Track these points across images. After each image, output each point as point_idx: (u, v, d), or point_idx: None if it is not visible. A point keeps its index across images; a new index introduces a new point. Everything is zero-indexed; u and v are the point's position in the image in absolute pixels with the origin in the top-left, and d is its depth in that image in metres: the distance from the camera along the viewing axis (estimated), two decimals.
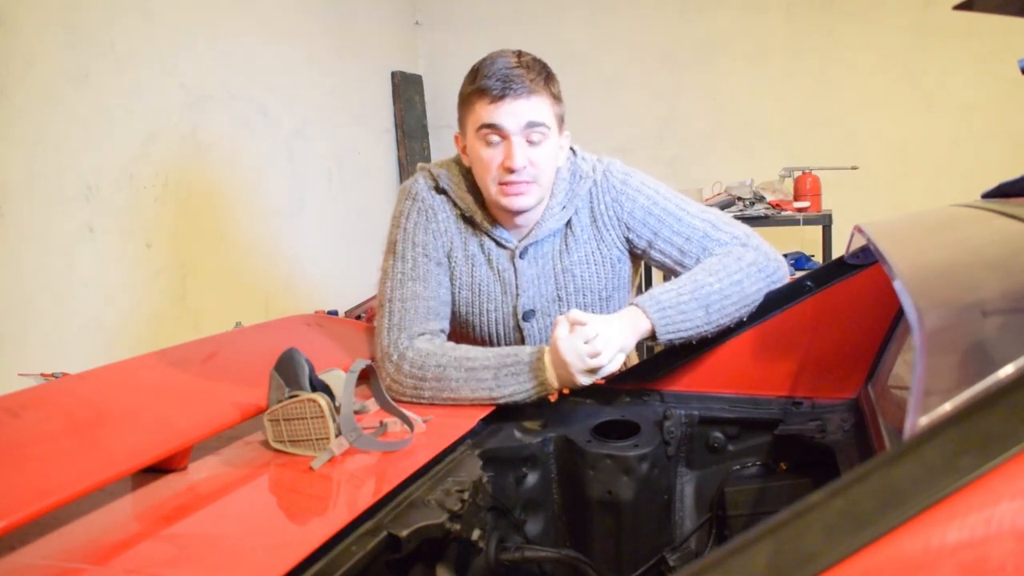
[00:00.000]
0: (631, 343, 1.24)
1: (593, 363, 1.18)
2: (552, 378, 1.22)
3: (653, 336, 1.25)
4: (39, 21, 2.31)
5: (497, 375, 1.24)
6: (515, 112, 1.28)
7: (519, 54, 1.33)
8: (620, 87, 4.35)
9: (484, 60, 1.33)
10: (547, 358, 1.23)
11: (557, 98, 1.35)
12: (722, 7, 4.17)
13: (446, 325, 1.42)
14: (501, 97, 1.28)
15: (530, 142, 1.31)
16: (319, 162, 3.69)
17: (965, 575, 0.41)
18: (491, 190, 1.34)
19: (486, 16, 4.49)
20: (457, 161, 1.44)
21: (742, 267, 1.30)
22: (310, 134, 3.60)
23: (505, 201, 1.33)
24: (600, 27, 4.35)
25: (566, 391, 1.27)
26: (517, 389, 1.23)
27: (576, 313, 1.21)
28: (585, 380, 1.20)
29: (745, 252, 1.33)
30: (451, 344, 1.35)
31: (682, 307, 1.25)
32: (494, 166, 1.31)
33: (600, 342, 1.18)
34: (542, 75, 1.32)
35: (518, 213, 1.36)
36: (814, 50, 4.07)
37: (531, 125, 1.29)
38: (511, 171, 1.30)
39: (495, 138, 1.30)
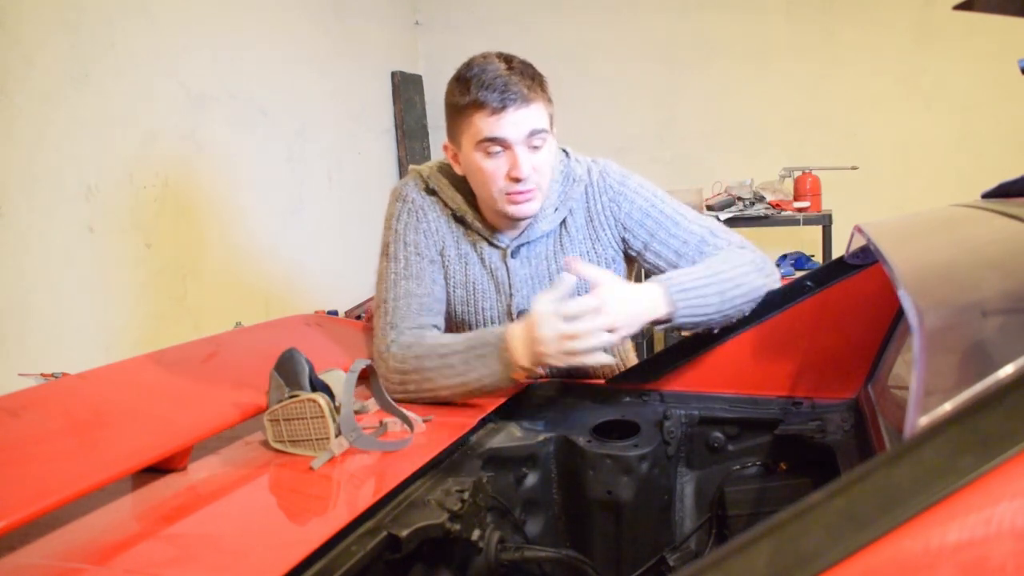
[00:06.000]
0: (636, 324, 1.18)
1: (569, 346, 1.14)
2: (519, 356, 1.18)
3: (665, 320, 1.21)
4: (39, 21, 2.30)
5: (466, 359, 1.22)
6: (517, 122, 1.26)
7: (507, 59, 1.30)
8: (620, 87, 4.34)
9: (471, 68, 1.29)
10: (511, 334, 1.19)
11: (550, 100, 1.33)
12: (722, 7, 4.17)
13: (440, 321, 1.41)
14: (502, 109, 1.25)
15: (532, 149, 1.30)
16: (319, 162, 3.69)
17: (965, 575, 0.41)
18: (496, 201, 1.32)
19: (486, 16, 4.49)
20: (443, 164, 1.43)
21: (745, 261, 1.30)
22: (310, 134, 3.60)
23: (513, 209, 1.32)
24: (599, 27, 4.35)
25: (541, 371, 1.21)
26: (485, 372, 1.21)
27: (593, 274, 1.18)
28: (558, 363, 1.16)
29: (744, 252, 1.34)
30: (433, 333, 1.34)
31: (701, 290, 1.23)
32: (499, 177, 1.29)
33: (582, 325, 1.13)
34: (536, 79, 1.30)
35: (524, 219, 1.36)
36: (814, 50, 4.06)
37: (533, 133, 1.28)
38: (518, 180, 1.29)
39: (497, 149, 1.28)
